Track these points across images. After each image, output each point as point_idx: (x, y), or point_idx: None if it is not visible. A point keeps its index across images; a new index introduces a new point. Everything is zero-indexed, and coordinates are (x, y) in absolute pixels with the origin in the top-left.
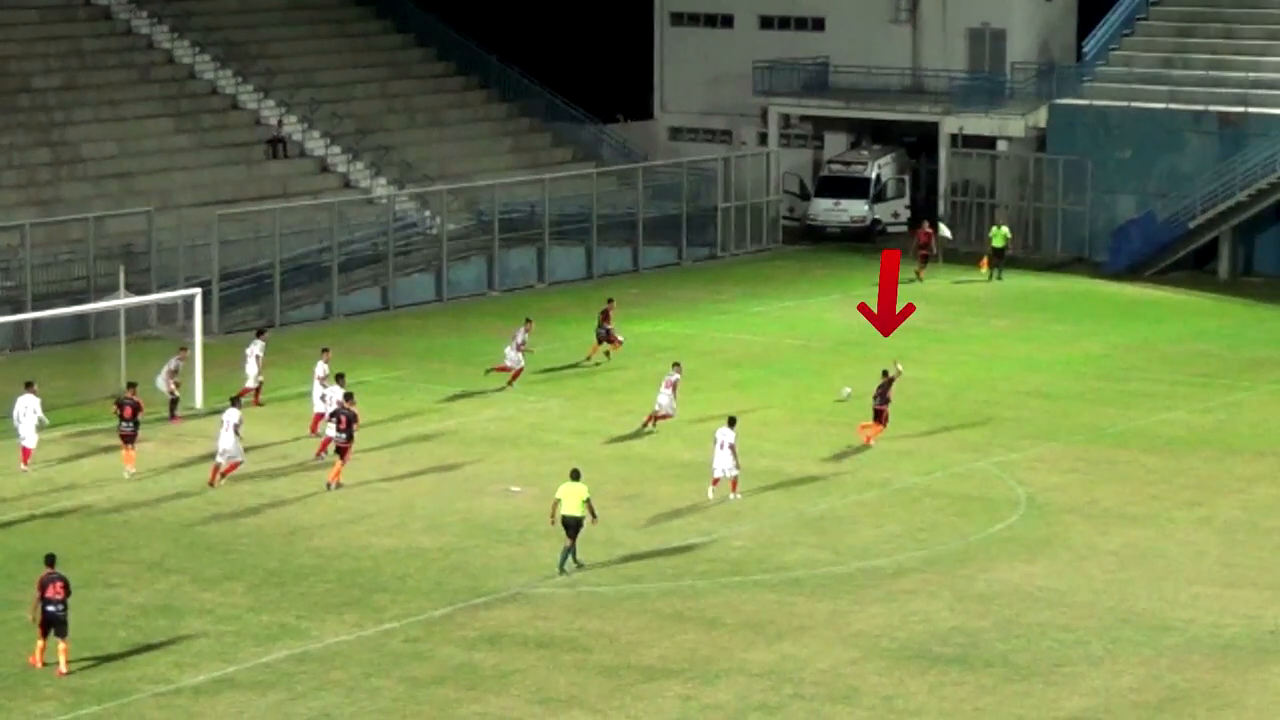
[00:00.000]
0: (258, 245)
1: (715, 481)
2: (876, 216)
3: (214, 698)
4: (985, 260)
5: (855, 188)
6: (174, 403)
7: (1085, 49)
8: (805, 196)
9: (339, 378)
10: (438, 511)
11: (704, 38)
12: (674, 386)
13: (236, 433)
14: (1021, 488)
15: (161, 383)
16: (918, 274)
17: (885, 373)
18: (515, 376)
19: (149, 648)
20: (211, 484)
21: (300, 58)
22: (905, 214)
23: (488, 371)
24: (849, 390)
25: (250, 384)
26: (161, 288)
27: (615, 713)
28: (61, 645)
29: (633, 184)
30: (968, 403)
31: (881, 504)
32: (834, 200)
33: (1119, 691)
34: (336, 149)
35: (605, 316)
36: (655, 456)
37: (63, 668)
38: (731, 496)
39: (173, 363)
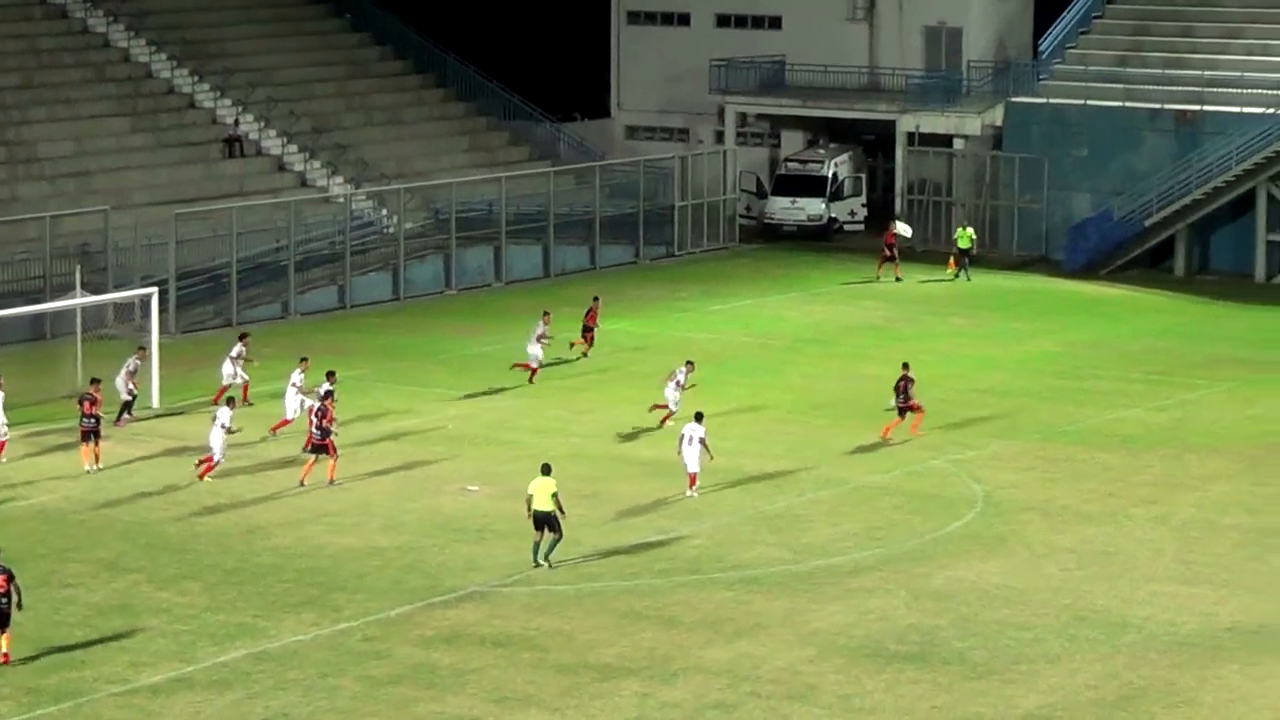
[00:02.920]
0: (215, 244)
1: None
2: (833, 215)
3: (171, 697)
4: (953, 261)
5: (812, 186)
6: (128, 404)
7: (1042, 47)
8: (762, 195)
9: (330, 374)
10: (396, 510)
11: (661, 36)
12: (678, 383)
13: (225, 430)
14: (978, 486)
15: (120, 383)
16: (881, 275)
17: (905, 365)
18: (534, 373)
19: (106, 647)
20: (200, 477)
21: (257, 56)
22: (862, 212)
23: (513, 367)
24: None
25: (225, 382)
26: (118, 287)
27: (572, 711)
28: (4, 635)
29: (590, 183)
30: (925, 401)
31: (839, 502)
32: (791, 199)
33: (1076, 689)
34: (293, 148)
35: (590, 314)
36: (614, 455)
37: (4, 647)
38: (688, 493)
39: (131, 363)
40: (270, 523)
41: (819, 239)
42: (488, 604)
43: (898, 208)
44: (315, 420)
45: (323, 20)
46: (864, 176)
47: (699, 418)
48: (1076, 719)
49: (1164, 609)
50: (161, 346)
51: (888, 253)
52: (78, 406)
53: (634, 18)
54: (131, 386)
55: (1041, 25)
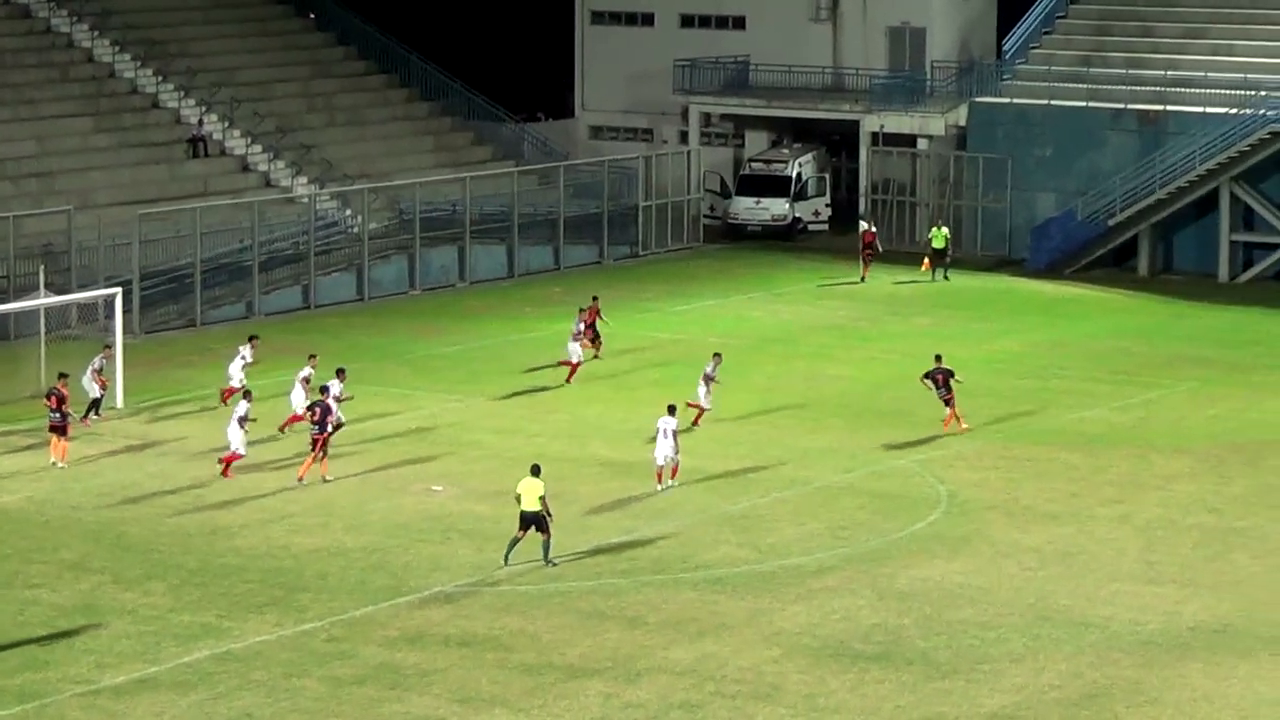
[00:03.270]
0: (178, 244)
1: (661, 473)
2: (797, 215)
3: (135, 698)
4: (927, 261)
5: (776, 186)
6: (95, 403)
7: (1005, 47)
8: (726, 195)
9: (339, 372)
10: (359, 511)
11: (625, 36)
12: (708, 378)
13: (241, 425)
14: (942, 485)
15: (87, 382)
16: (861, 277)
17: (938, 358)
18: (574, 370)
19: (70, 648)
20: (224, 474)
21: (221, 56)
22: (826, 212)
23: (570, 380)
24: None
25: (233, 384)
26: (82, 287)
27: (537, 711)
28: None
29: (554, 183)
30: (888, 400)
31: (803, 502)
32: (755, 199)
33: (1040, 688)
34: (257, 148)
35: (590, 313)
36: (576, 455)
37: None
38: (668, 483)
39: (97, 361)
40: (234, 523)
41: (783, 239)
42: (452, 604)
43: (862, 208)
44: (317, 416)
45: (286, 20)
46: (828, 176)
47: (671, 410)
48: (1041, 718)
49: (1127, 608)
50: (125, 347)
51: (867, 252)
52: (46, 402)
53: (598, 18)
54: (103, 382)
55: (1005, 25)
